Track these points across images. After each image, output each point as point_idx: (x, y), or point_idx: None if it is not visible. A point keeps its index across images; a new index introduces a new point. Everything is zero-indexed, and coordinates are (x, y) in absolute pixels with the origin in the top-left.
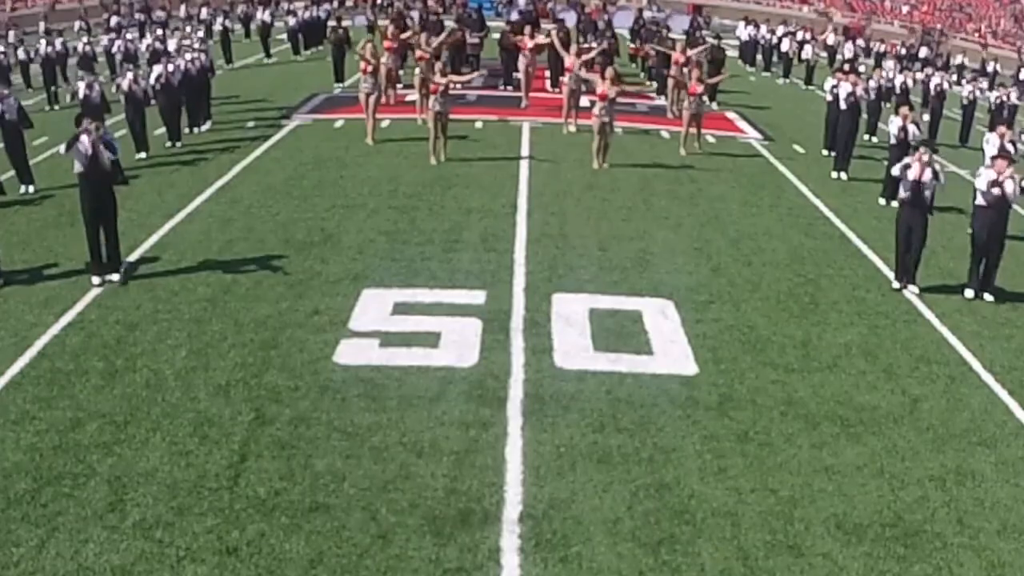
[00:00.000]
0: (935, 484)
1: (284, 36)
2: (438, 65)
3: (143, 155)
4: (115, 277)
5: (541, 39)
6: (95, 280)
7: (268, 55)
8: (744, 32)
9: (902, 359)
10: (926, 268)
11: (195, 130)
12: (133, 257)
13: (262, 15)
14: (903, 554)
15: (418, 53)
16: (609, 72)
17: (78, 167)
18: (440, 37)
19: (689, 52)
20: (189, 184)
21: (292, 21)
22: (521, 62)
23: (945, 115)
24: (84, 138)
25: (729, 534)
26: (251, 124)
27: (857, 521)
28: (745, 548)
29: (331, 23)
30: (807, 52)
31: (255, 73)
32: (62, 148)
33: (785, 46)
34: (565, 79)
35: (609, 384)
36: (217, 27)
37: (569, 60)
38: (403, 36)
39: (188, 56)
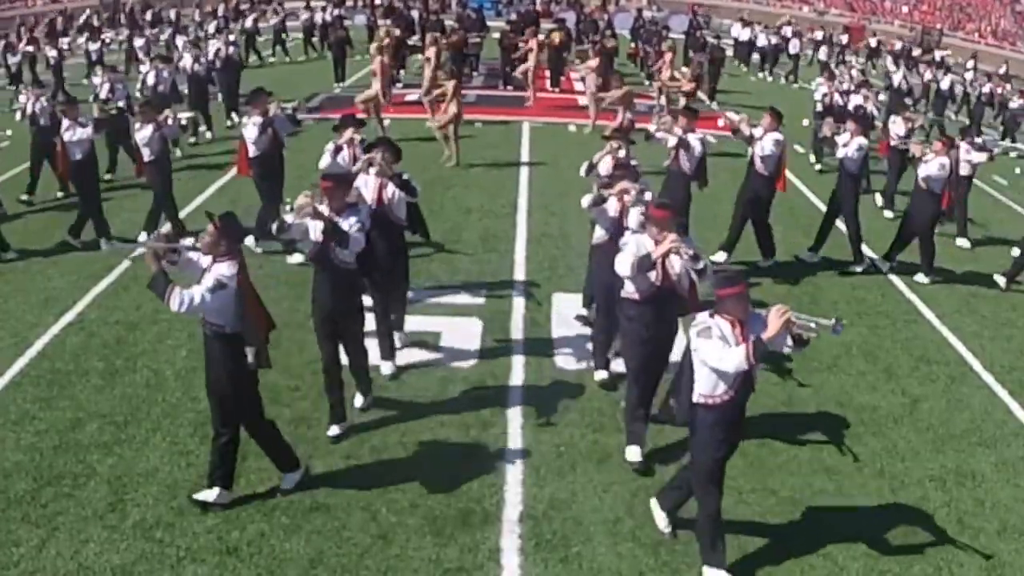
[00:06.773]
0: (935, 484)
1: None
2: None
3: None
4: (359, 402)
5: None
6: (333, 431)
7: (260, 58)
8: (742, 33)
9: (902, 359)
10: None
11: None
12: (132, 259)
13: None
14: (903, 554)
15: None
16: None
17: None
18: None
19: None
20: (189, 185)
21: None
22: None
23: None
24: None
25: (729, 534)
26: None
27: (857, 521)
28: (745, 548)
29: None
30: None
31: (254, 74)
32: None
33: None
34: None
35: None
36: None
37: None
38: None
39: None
